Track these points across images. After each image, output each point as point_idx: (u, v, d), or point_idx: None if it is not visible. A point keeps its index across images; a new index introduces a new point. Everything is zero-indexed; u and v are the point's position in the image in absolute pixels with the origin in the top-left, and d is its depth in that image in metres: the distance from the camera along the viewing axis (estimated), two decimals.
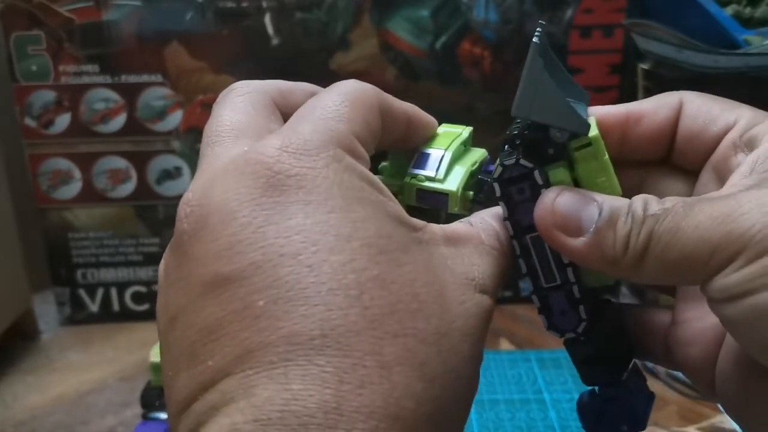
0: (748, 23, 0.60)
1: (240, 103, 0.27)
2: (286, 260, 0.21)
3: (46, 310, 0.69)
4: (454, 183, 0.28)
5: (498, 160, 0.28)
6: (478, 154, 0.30)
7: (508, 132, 0.28)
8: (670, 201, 0.24)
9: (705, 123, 0.28)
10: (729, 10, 0.60)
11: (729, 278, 0.23)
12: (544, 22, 0.27)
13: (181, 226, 0.23)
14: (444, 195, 0.28)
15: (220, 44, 0.63)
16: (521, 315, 0.68)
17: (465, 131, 0.31)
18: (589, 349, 0.29)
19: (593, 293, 0.28)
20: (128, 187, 0.66)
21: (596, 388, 0.31)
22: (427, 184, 0.28)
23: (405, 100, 0.28)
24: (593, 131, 0.27)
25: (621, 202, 0.25)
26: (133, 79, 0.64)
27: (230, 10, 0.62)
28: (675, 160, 0.29)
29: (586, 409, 0.31)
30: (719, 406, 0.48)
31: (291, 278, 0.21)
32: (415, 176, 0.28)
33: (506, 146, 0.28)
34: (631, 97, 0.64)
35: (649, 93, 0.63)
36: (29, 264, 0.66)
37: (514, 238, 0.27)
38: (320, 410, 0.20)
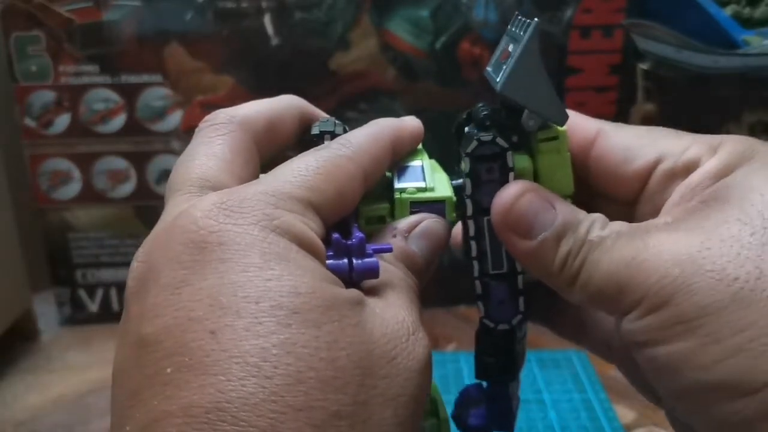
0: (748, 23, 0.60)
1: (218, 145, 0.25)
2: (193, 325, 0.20)
3: (46, 310, 0.69)
4: (446, 189, 0.28)
5: (466, 134, 0.27)
6: (435, 162, 0.30)
7: (472, 112, 0.27)
8: (610, 228, 0.24)
9: (623, 159, 0.27)
10: (728, 11, 0.60)
11: (633, 325, 0.22)
12: (518, 12, 0.27)
13: (128, 283, 0.23)
14: (441, 202, 0.27)
15: (220, 44, 0.63)
16: None
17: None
18: (504, 343, 0.29)
19: (534, 287, 0.28)
20: (128, 188, 0.66)
21: (483, 383, 0.31)
22: (420, 195, 0.27)
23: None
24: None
25: (576, 217, 0.25)
26: (132, 79, 0.64)
27: (230, 10, 0.62)
28: (601, 191, 0.28)
29: (470, 405, 0.30)
30: None
31: (194, 345, 0.20)
32: (404, 190, 0.28)
33: (465, 127, 0.27)
34: (630, 97, 0.64)
35: (648, 93, 0.63)
36: (29, 264, 0.66)
37: (471, 217, 0.27)
38: None
